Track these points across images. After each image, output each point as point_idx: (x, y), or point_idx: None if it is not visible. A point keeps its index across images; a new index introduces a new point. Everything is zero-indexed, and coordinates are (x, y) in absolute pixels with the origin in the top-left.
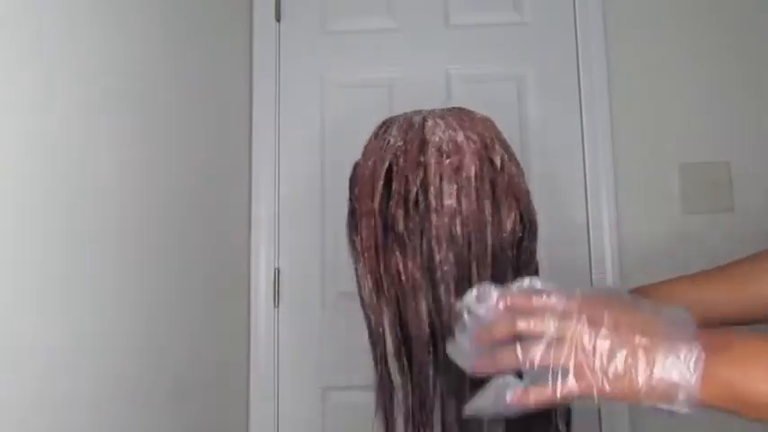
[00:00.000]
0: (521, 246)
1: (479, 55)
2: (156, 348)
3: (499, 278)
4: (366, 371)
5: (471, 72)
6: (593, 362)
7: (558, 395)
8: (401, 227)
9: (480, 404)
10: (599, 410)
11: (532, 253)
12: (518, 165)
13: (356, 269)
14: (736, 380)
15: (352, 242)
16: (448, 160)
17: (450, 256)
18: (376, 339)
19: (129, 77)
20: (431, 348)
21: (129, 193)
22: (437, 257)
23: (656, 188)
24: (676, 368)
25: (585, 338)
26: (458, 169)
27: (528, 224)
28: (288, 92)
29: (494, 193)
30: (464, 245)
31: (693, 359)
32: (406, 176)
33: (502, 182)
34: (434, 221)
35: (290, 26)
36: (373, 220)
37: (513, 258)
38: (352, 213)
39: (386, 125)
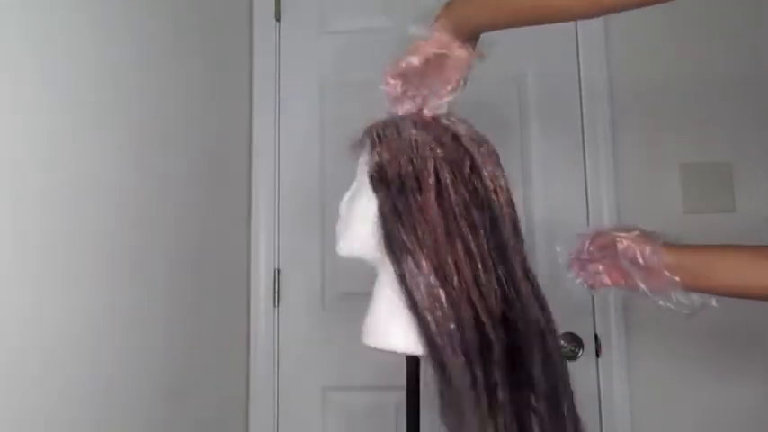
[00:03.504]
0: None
1: None
2: (157, 348)
3: (522, 246)
4: (366, 371)
5: (471, 72)
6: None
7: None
8: (469, 212)
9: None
10: (600, 412)
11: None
12: None
13: (403, 273)
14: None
15: (400, 243)
16: (482, 148)
17: (511, 228)
18: (439, 340)
19: (128, 77)
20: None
21: (128, 194)
22: (504, 234)
23: (656, 188)
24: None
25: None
26: (492, 153)
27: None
28: (288, 92)
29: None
30: (512, 221)
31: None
32: (458, 166)
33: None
34: (497, 202)
35: (290, 26)
36: (431, 213)
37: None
38: (396, 212)
39: (389, 125)
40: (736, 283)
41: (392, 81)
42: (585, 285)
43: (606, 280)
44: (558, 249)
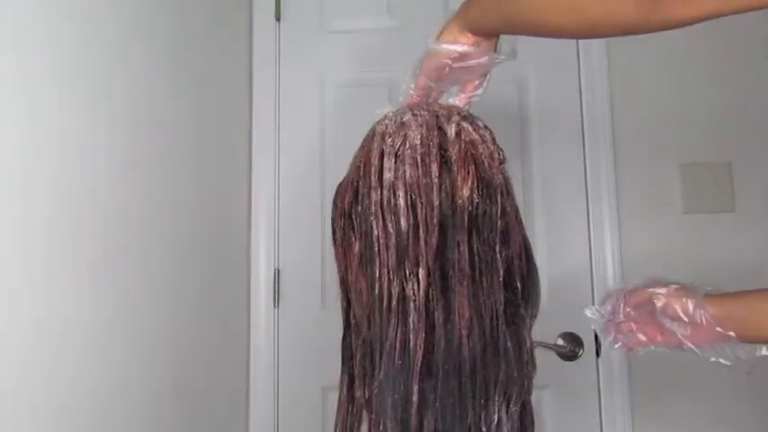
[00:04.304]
0: (478, 210)
1: None
2: (157, 348)
3: (448, 240)
4: None
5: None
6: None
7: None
8: (353, 214)
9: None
10: (600, 412)
11: (492, 217)
12: (487, 138)
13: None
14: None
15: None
16: (390, 139)
17: (390, 226)
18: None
19: (128, 78)
20: (369, 326)
21: (128, 194)
22: (375, 232)
23: (656, 188)
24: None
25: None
26: (401, 144)
27: (485, 188)
28: (288, 92)
29: (442, 156)
30: (407, 213)
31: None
32: (358, 169)
33: (455, 148)
34: (373, 198)
35: (290, 26)
36: (342, 220)
37: (469, 222)
38: (332, 222)
39: None
40: None
41: (416, 92)
42: (625, 349)
43: (642, 338)
44: (589, 314)
